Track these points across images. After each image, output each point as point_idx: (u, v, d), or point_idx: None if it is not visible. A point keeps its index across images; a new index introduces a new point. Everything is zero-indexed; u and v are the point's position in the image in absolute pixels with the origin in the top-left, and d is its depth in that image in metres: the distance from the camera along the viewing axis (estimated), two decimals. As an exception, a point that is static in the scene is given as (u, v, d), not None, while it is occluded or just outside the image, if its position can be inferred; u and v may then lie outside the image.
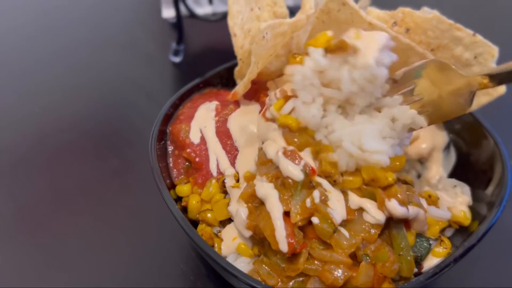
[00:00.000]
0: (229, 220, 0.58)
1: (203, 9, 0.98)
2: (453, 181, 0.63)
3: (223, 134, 0.63)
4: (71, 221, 0.71)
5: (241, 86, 0.64)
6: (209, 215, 0.58)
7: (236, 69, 0.71)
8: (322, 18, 0.61)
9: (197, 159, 0.62)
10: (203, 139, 0.63)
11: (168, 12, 0.99)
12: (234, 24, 0.67)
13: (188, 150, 0.63)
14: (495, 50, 0.58)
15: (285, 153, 0.52)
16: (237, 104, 0.66)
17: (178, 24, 0.98)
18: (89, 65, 1.03)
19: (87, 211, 0.73)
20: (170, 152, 0.65)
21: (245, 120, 0.63)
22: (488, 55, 0.59)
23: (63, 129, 0.86)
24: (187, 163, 0.64)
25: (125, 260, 0.66)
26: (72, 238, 0.69)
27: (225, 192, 0.60)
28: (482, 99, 0.62)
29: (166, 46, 1.04)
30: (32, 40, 1.12)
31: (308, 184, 0.51)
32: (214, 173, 0.61)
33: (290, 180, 0.51)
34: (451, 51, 0.60)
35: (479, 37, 0.58)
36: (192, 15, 0.97)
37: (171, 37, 1.04)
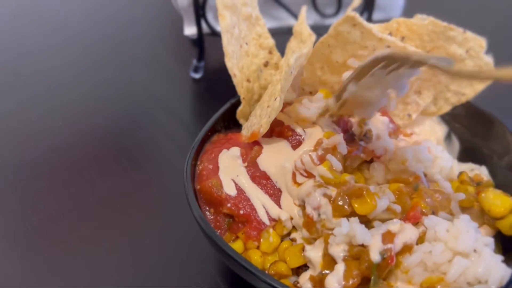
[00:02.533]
0: (303, 266, 0.55)
1: None
2: (470, 165, 0.69)
3: (260, 178, 0.60)
4: (93, 235, 0.71)
5: (264, 126, 0.61)
6: (282, 266, 0.54)
7: (239, 109, 0.68)
8: (328, 42, 0.62)
9: (241, 212, 0.58)
10: (240, 189, 0.60)
11: (190, 30, 1.00)
12: (232, 65, 0.64)
13: (228, 205, 0.58)
14: (483, 41, 0.64)
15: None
16: (258, 144, 0.64)
17: (199, 42, 1.00)
18: (110, 80, 1.04)
19: (109, 226, 0.72)
20: (206, 213, 0.60)
21: (279, 159, 0.60)
22: (478, 47, 0.65)
23: (85, 143, 0.88)
24: (228, 220, 0.60)
25: (143, 275, 0.66)
26: (93, 253, 0.68)
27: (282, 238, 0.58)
28: (477, 86, 0.67)
29: (186, 63, 1.05)
30: (54, 53, 1.12)
31: None
32: (267, 222, 0.58)
33: None
34: (446, 50, 0.65)
35: (469, 33, 0.64)
36: (213, 32, 0.98)
37: (191, 54, 1.06)
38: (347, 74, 0.57)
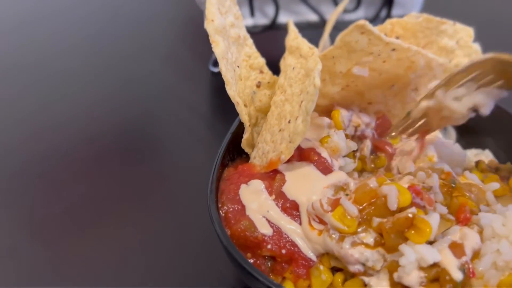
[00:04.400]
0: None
1: (244, 21, 0.96)
2: (474, 151, 0.70)
3: (291, 209, 0.56)
4: (114, 224, 0.74)
5: (286, 152, 0.56)
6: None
7: (245, 137, 0.63)
8: (333, 54, 0.59)
9: (283, 251, 0.53)
10: (274, 226, 0.54)
11: None
12: (234, 92, 0.59)
13: (268, 246, 0.53)
14: (471, 30, 0.66)
15: None
16: (277, 172, 0.59)
17: None
18: (130, 75, 1.07)
19: (131, 215, 0.75)
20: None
21: (308, 186, 0.56)
22: (467, 37, 0.66)
23: (107, 136, 0.90)
24: (268, 263, 0.55)
25: (165, 264, 0.68)
26: (115, 241, 0.71)
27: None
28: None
29: (205, 57, 1.08)
30: (75, 50, 1.16)
31: None
32: (313, 257, 0.53)
33: None
34: (438, 43, 0.66)
35: (458, 25, 0.65)
36: None
37: (211, 48, 1.02)
38: (435, 83, 0.55)
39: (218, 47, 0.57)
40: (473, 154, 0.69)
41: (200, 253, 0.69)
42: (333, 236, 0.51)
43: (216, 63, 1.02)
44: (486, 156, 0.68)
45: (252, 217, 0.55)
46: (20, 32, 1.23)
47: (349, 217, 0.51)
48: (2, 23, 1.26)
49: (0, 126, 0.93)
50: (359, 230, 0.51)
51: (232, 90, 0.58)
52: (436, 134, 0.71)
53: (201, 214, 0.70)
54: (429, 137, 0.66)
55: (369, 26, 0.54)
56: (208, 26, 0.56)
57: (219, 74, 1.03)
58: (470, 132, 0.72)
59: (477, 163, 0.63)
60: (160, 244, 0.71)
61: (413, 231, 0.48)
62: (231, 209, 0.56)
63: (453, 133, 0.74)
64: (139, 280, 0.66)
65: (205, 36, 1.12)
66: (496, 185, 0.56)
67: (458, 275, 0.45)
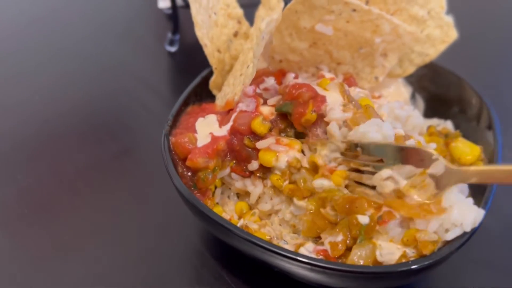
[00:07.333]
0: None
1: None
2: (436, 120, 0.72)
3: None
4: (72, 203, 0.72)
5: (238, 93, 0.62)
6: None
7: (212, 80, 0.68)
8: (296, 8, 0.63)
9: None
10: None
11: (164, 3, 1.04)
12: (203, 35, 0.65)
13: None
14: (443, 1, 0.67)
15: None
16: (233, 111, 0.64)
17: (173, 14, 1.02)
18: (86, 55, 1.05)
19: (88, 194, 0.74)
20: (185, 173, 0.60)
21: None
22: (439, 8, 0.67)
23: (62, 115, 0.88)
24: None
25: (122, 240, 0.67)
26: (72, 220, 0.69)
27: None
28: (439, 46, 0.70)
29: (162, 36, 1.08)
30: (29, 28, 1.13)
31: None
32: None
33: None
34: (408, 11, 0.68)
35: (429, -6, 0.66)
36: (187, 5, 0.94)
37: (166, 27, 1.08)
38: None
39: (191, -10, 0.62)
40: (435, 124, 0.71)
41: (159, 227, 0.68)
42: None
43: (171, 43, 1.05)
44: (446, 125, 0.70)
45: (198, 136, 0.61)
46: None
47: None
48: None
49: None
50: None
51: (200, 32, 0.64)
52: (403, 101, 0.74)
53: (159, 188, 0.70)
54: (386, 100, 0.69)
55: (326, -18, 0.58)
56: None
57: (175, 53, 1.06)
58: (437, 104, 0.75)
59: (428, 127, 0.66)
60: (119, 219, 0.70)
61: None
62: (182, 131, 0.62)
63: (421, 104, 0.76)
64: (99, 263, 0.64)
65: (161, 14, 1.11)
66: (433, 145, 0.59)
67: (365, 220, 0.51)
